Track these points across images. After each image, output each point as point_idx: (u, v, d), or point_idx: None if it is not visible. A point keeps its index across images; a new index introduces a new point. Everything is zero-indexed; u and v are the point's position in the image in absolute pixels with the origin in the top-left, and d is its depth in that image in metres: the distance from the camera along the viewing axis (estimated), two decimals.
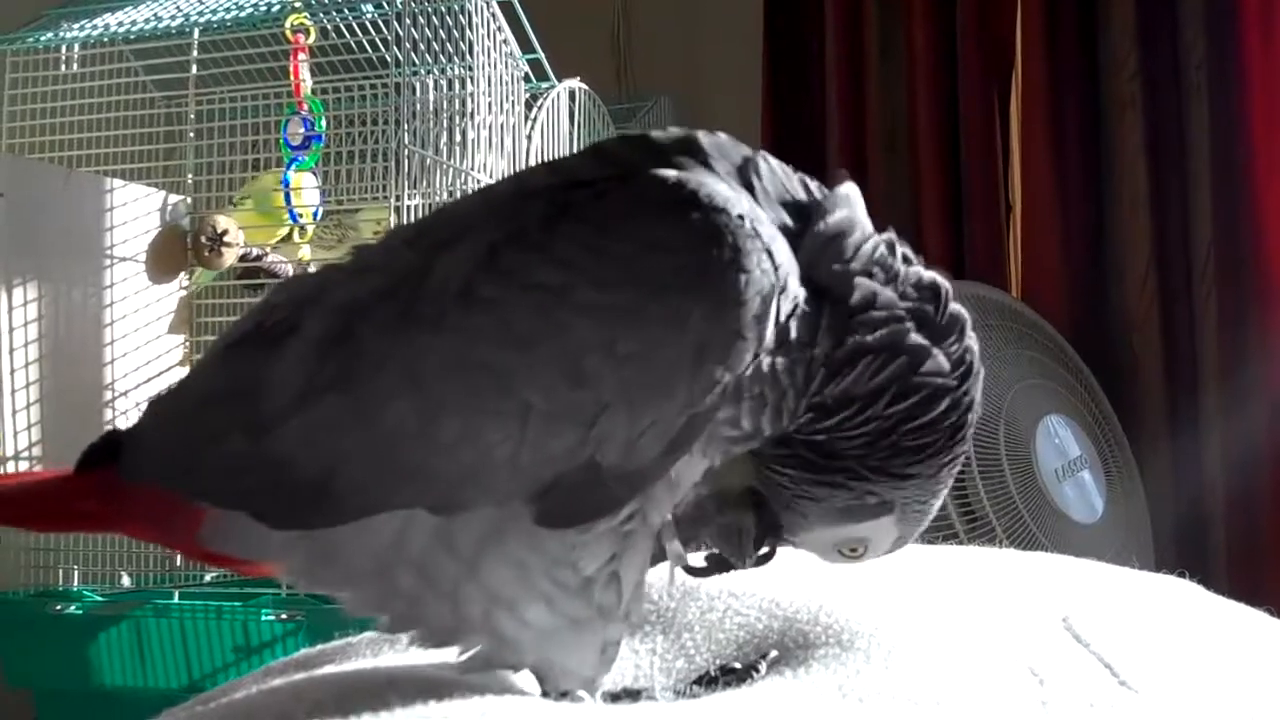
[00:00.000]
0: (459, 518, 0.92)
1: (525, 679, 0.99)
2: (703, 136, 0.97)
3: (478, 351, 0.90)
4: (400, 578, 0.94)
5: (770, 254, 0.89)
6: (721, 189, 0.91)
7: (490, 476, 0.90)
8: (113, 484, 1.00)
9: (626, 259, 0.89)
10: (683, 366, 0.88)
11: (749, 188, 0.95)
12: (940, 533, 2.76)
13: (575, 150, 3.10)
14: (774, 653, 1.04)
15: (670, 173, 0.91)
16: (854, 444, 0.96)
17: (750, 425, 0.94)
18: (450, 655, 0.97)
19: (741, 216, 0.89)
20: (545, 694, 0.97)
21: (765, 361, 0.91)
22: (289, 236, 2.96)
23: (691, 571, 1.08)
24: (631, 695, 1.01)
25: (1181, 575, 1.31)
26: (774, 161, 0.98)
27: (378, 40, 2.87)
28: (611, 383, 0.88)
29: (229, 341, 1.01)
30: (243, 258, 2.90)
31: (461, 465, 0.90)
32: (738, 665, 1.04)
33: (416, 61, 2.72)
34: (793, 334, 0.92)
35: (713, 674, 1.04)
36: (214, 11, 2.83)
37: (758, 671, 1.02)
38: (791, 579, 1.16)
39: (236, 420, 0.94)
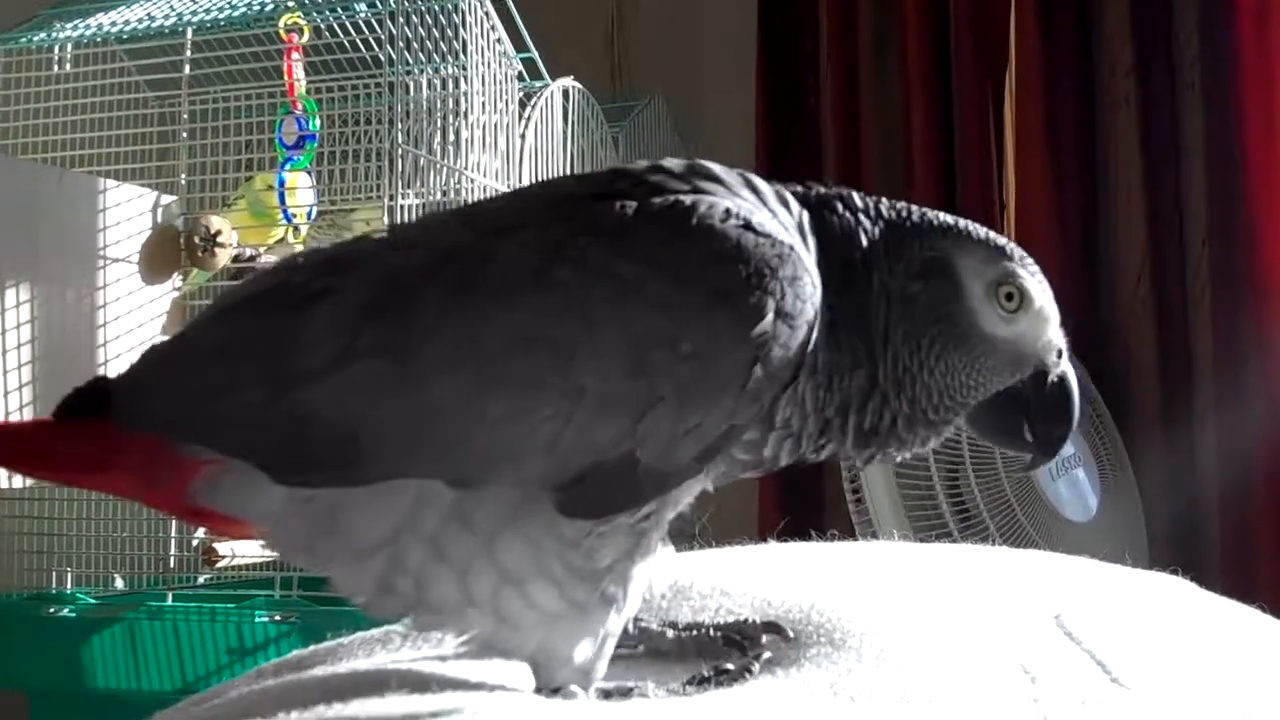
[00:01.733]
0: (477, 494, 0.93)
1: (521, 673, 0.99)
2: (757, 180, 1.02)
3: (541, 328, 0.91)
4: (409, 552, 0.94)
5: (812, 281, 0.94)
6: (769, 220, 0.96)
7: (526, 456, 0.92)
8: (103, 431, 1.00)
9: (700, 262, 0.92)
10: (736, 374, 0.91)
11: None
12: (933, 530, 2.76)
13: (568, 150, 3.12)
14: (767, 654, 1.04)
15: (722, 201, 0.96)
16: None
17: (771, 453, 0.99)
18: (444, 652, 0.97)
19: (792, 247, 0.94)
20: (538, 690, 0.97)
21: (800, 387, 0.96)
22: (284, 237, 2.96)
23: None
24: (623, 693, 1.01)
25: (1175, 573, 1.30)
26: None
27: (371, 39, 2.87)
28: (669, 378, 0.91)
29: (242, 298, 1.02)
30: (236, 258, 2.90)
31: (502, 442, 0.91)
32: (731, 666, 1.04)
33: (410, 61, 2.72)
34: (819, 358, 0.97)
35: (706, 674, 1.04)
36: (207, 11, 2.83)
37: (751, 673, 1.02)
38: (783, 577, 1.16)
39: (259, 372, 0.94)
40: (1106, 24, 3.60)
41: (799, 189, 1.05)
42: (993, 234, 1.04)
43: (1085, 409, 3.18)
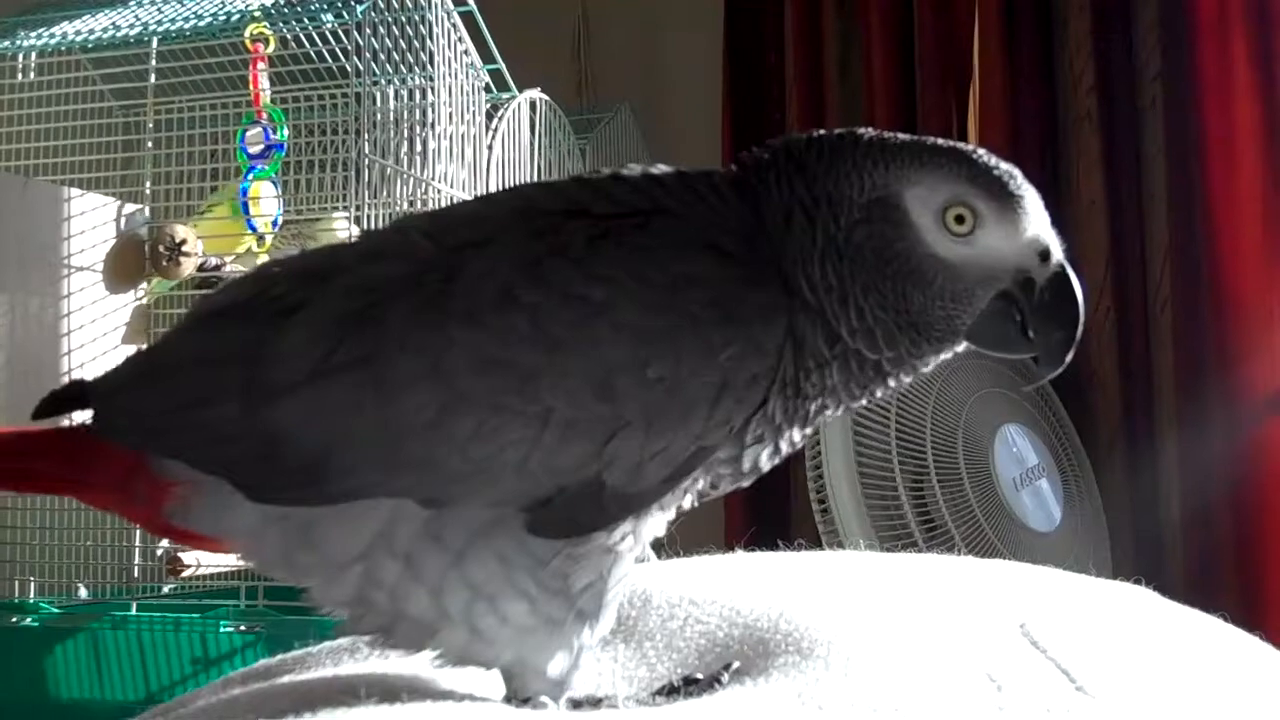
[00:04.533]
0: (449, 512, 0.93)
1: (491, 683, 0.99)
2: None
3: (511, 351, 0.91)
4: (384, 567, 0.94)
5: (781, 304, 0.94)
6: (733, 238, 0.95)
7: (494, 477, 0.92)
8: (78, 445, 1.00)
9: (667, 287, 0.92)
10: (703, 399, 0.91)
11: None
12: (899, 540, 2.77)
13: (535, 161, 3.12)
14: (736, 663, 1.05)
15: (688, 222, 0.96)
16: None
17: (749, 465, 0.99)
18: (413, 661, 0.98)
19: (759, 270, 0.94)
20: (508, 699, 0.97)
21: (771, 406, 0.95)
22: (249, 247, 2.94)
23: None
24: (593, 703, 1.01)
25: (1138, 582, 1.31)
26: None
27: (338, 50, 2.87)
28: (636, 402, 0.90)
29: (218, 307, 1.01)
30: (201, 267, 2.89)
31: (471, 462, 0.91)
32: (700, 676, 1.04)
33: (377, 71, 2.72)
34: (790, 372, 0.96)
35: (675, 684, 1.04)
36: (173, 21, 2.81)
37: (720, 683, 1.02)
38: (751, 586, 1.17)
39: (232, 385, 0.94)
40: (1069, 40, 3.63)
41: (738, 160, 1.03)
42: (949, 149, 0.98)
43: (1048, 421, 3.20)
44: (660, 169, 1.02)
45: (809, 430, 1.01)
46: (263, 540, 0.98)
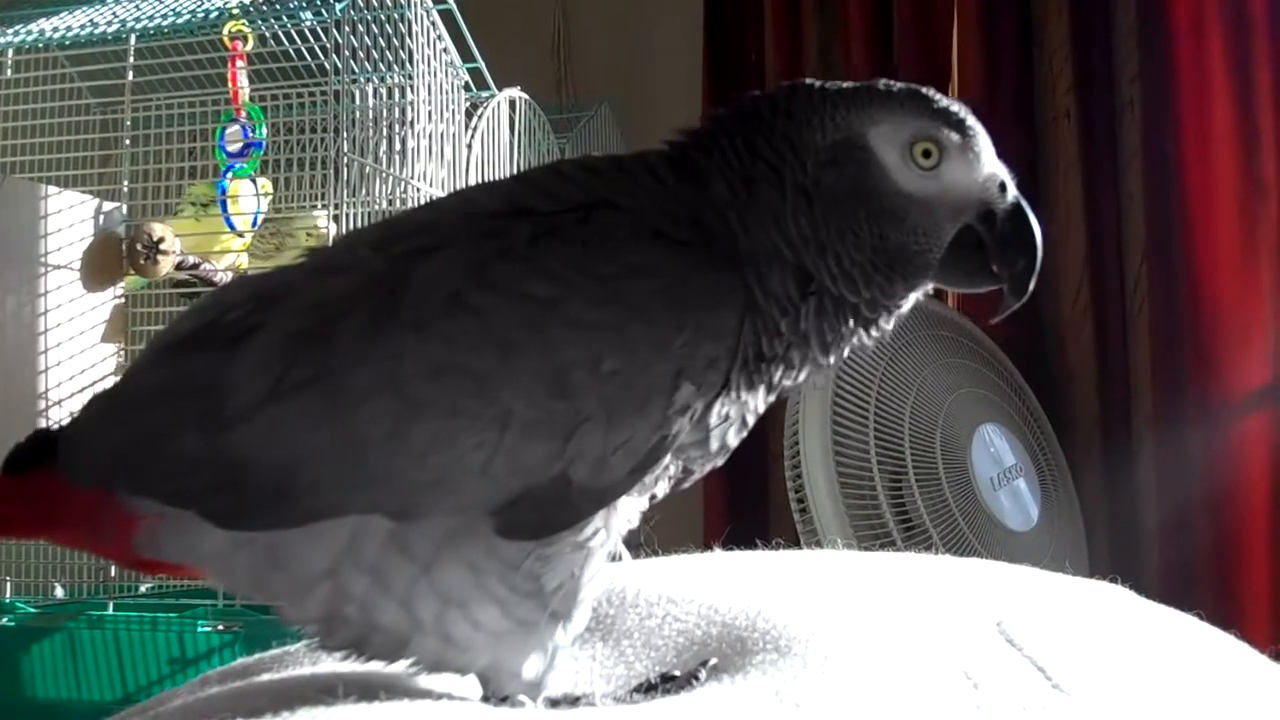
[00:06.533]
0: (415, 522, 0.93)
1: (468, 684, 0.99)
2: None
3: (463, 357, 0.91)
4: (352, 582, 0.93)
5: (732, 283, 0.94)
6: (673, 223, 0.95)
7: (458, 485, 0.91)
8: (42, 487, 0.99)
9: (615, 279, 0.92)
10: (660, 388, 0.91)
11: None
12: (877, 539, 2.78)
13: (514, 159, 3.12)
14: (713, 660, 1.05)
15: (629, 212, 0.96)
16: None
17: (717, 445, 0.99)
18: (392, 669, 0.98)
19: (710, 249, 0.94)
20: (486, 698, 0.97)
21: (734, 387, 0.95)
22: (228, 245, 2.94)
23: None
24: (571, 701, 1.01)
25: (1114, 581, 1.32)
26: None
27: (317, 48, 2.86)
28: (593, 397, 0.90)
29: (174, 338, 1.00)
30: (179, 266, 2.87)
31: (432, 471, 0.91)
32: (678, 673, 1.04)
33: (356, 69, 2.72)
34: (764, 348, 0.96)
35: (653, 682, 1.04)
36: (151, 18, 2.80)
37: (697, 680, 1.02)
38: (729, 584, 1.17)
39: (191, 417, 0.93)
40: (1048, 41, 3.64)
41: (672, 141, 1.04)
42: (903, 89, 1.00)
43: (1026, 421, 3.21)
44: (595, 158, 1.02)
45: (773, 397, 1.01)
46: (232, 565, 0.97)
